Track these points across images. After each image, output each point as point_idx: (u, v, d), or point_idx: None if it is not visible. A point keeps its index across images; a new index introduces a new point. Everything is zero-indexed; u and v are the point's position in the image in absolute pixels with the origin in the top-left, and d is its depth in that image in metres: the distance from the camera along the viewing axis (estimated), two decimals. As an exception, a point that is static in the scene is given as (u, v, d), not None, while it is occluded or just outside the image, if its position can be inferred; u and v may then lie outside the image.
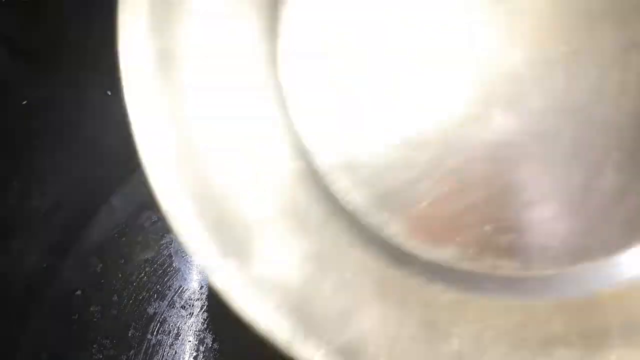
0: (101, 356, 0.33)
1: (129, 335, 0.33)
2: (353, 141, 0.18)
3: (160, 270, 0.35)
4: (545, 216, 0.19)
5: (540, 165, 0.19)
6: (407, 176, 0.19)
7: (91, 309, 0.34)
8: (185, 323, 0.33)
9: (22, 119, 0.39)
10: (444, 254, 0.18)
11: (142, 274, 0.35)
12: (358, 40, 0.19)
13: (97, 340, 0.33)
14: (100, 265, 0.35)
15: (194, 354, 0.33)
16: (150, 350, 0.33)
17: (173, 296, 0.34)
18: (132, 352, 0.33)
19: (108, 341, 0.33)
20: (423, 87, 0.19)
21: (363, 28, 0.19)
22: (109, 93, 0.39)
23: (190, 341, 0.33)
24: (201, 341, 0.33)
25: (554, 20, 0.19)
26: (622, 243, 0.19)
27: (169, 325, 0.33)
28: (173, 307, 0.34)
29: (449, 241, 0.19)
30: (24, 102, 0.39)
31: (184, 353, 0.33)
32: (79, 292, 0.34)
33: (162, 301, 0.34)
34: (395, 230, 0.18)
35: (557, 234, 0.19)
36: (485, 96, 0.19)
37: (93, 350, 0.33)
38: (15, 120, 0.39)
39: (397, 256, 0.18)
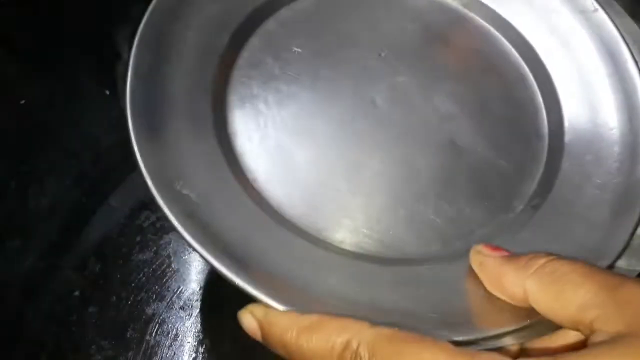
0: (100, 357, 0.32)
1: (128, 336, 0.33)
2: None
3: (159, 271, 0.35)
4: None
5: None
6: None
7: (89, 309, 0.34)
8: (184, 324, 0.33)
9: (19, 119, 0.39)
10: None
11: (141, 275, 0.35)
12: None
13: (96, 341, 0.33)
14: (99, 265, 0.35)
15: (193, 355, 0.33)
16: (149, 351, 0.33)
17: (172, 297, 0.34)
18: (130, 353, 0.33)
19: (106, 342, 0.33)
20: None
21: None
22: (107, 92, 0.39)
23: (189, 342, 0.33)
24: (200, 342, 0.33)
25: None
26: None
27: (168, 326, 0.33)
28: (172, 308, 0.34)
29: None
30: (22, 102, 0.39)
31: (183, 354, 0.33)
32: (77, 293, 0.34)
33: (161, 302, 0.34)
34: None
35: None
36: None
37: (91, 351, 0.33)
38: (13, 120, 0.39)
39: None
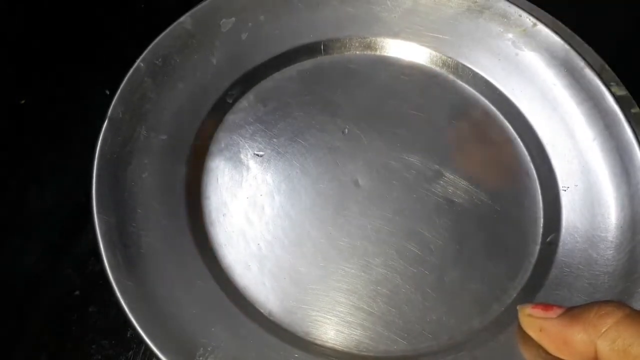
0: (100, 357, 0.32)
1: (128, 335, 0.33)
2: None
3: (159, 270, 0.35)
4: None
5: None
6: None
7: (90, 309, 0.34)
8: (184, 324, 0.33)
9: (19, 119, 0.39)
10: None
11: (141, 275, 0.35)
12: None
13: (96, 340, 0.33)
14: (99, 265, 0.35)
15: (193, 355, 0.33)
16: (149, 351, 0.33)
17: (172, 297, 0.34)
18: (130, 352, 0.33)
19: (107, 342, 0.33)
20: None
21: None
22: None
23: (189, 342, 0.33)
24: (200, 342, 0.33)
25: None
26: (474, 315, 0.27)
27: (168, 326, 0.33)
28: (172, 307, 0.34)
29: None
30: (22, 102, 0.39)
31: (183, 354, 0.33)
32: (77, 293, 0.34)
33: (161, 302, 0.34)
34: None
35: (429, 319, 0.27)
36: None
37: (92, 351, 0.33)
38: (13, 120, 0.39)
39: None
